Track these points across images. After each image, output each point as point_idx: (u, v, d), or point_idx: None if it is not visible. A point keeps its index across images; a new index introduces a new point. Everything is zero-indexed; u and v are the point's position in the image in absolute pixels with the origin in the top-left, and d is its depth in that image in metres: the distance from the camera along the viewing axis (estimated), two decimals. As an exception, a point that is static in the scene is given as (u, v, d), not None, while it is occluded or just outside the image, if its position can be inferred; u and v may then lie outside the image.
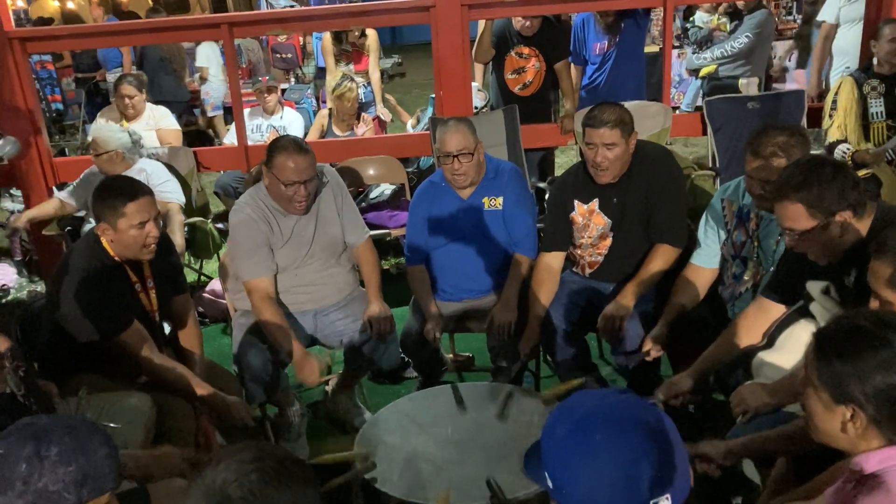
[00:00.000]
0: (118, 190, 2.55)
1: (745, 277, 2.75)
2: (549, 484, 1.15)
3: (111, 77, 7.75)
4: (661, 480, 1.08)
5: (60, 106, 8.94)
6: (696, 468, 1.90)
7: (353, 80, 5.23)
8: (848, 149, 3.99)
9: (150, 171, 4.01)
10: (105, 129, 4.10)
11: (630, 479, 1.08)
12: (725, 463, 1.96)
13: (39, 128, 4.58)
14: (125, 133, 4.05)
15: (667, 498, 1.09)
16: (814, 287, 2.23)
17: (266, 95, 5.61)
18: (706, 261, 2.84)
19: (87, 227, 4.02)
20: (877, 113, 4.08)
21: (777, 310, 2.37)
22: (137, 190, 2.55)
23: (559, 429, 1.16)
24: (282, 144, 2.88)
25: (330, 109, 5.41)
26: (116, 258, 2.59)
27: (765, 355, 2.31)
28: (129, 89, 4.94)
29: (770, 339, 2.33)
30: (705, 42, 6.23)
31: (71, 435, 1.45)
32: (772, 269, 2.60)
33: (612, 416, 1.14)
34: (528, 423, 2.37)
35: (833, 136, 4.10)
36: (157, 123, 5.05)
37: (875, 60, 4.13)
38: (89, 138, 4.13)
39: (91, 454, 1.46)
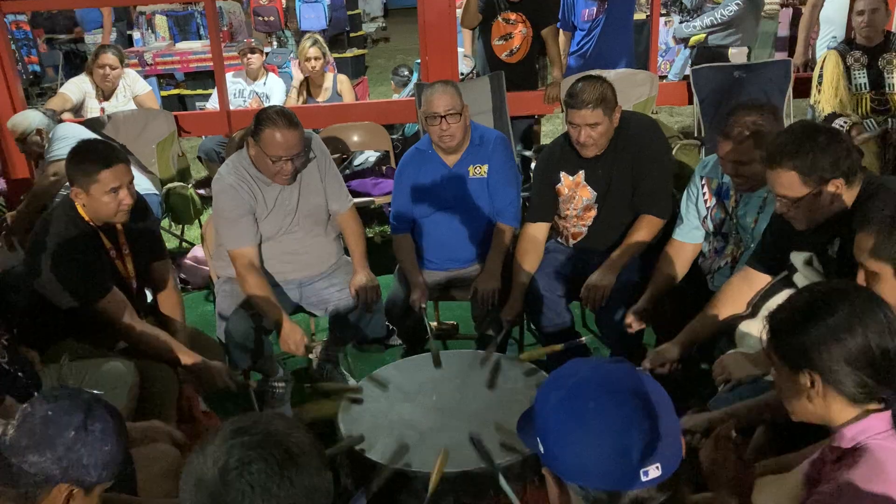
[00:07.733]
0: (93, 155, 2.49)
1: (726, 252, 2.75)
2: (541, 450, 1.15)
3: (90, 38, 7.56)
4: (652, 450, 1.08)
5: (38, 68, 8.74)
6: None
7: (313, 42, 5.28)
8: (845, 122, 3.98)
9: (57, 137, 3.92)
10: (17, 116, 4.09)
11: (621, 447, 1.08)
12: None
13: (16, 90, 4.48)
14: (36, 112, 4.07)
15: (657, 467, 1.09)
16: (797, 258, 2.24)
17: (249, 56, 5.52)
18: (688, 236, 2.84)
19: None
20: (861, 84, 4.11)
21: (762, 279, 2.38)
22: (112, 156, 2.50)
23: (552, 395, 1.15)
24: (271, 117, 2.76)
25: (307, 77, 5.37)
26: (91, 223, 2.55)
27: (748, 325, 2.32)
28: (110, 58, 4.75)
29: (754, 309, 2.34)
30: (697, 9, 6.16)
31: (113, 416, 1.49)
32: (752, 245, 2.61)
33: (606, 384, 1.13)
34: (513, 391, 2.38)
35: (826, 109, 4.10)
36: (132, 91, 4.91)
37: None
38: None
39: (122, 440, 1.48)
